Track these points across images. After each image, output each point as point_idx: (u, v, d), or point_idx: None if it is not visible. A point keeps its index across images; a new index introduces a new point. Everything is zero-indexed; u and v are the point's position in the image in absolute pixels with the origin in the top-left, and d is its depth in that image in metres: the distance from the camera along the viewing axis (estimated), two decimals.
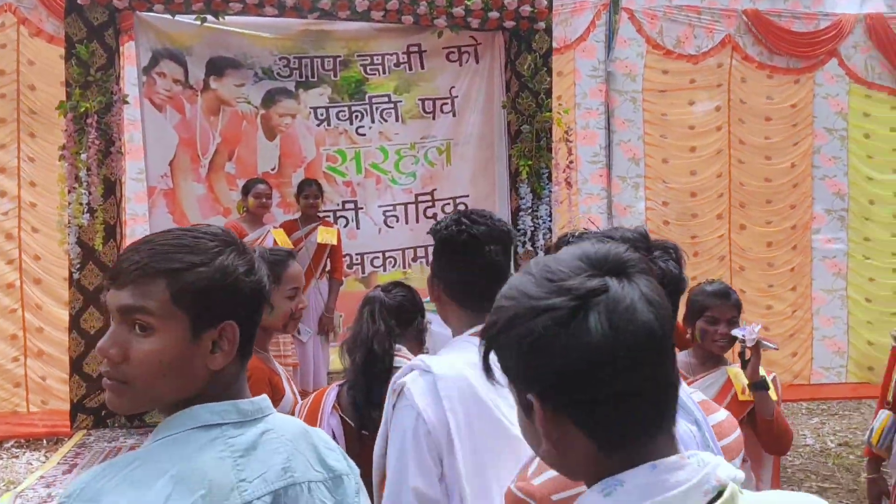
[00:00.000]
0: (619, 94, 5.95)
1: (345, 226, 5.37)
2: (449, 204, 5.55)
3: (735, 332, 2.61)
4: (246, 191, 4.72)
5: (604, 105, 5.95)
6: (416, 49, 5.43)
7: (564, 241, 3.08)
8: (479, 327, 1.52)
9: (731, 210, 6.02)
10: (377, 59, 5.40)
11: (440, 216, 5.50)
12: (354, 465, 1.18)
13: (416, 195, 5.52)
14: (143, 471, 0.98)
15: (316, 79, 5.37)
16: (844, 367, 6.16)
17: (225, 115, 5.19)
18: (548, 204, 5.48)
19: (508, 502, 1.25)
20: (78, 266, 4.73)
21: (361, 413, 1.99)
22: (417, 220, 5.50)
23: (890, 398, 2.91)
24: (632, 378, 0.80)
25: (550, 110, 5.46)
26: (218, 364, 1.04)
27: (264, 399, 1.11)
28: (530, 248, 5.50)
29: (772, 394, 2.58)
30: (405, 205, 5.50)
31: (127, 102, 4.94)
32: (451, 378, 1.44)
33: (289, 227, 4.82)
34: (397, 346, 2.00)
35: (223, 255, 1.06)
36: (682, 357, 2.77)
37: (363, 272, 5.48)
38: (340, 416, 2.04)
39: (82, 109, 4.63)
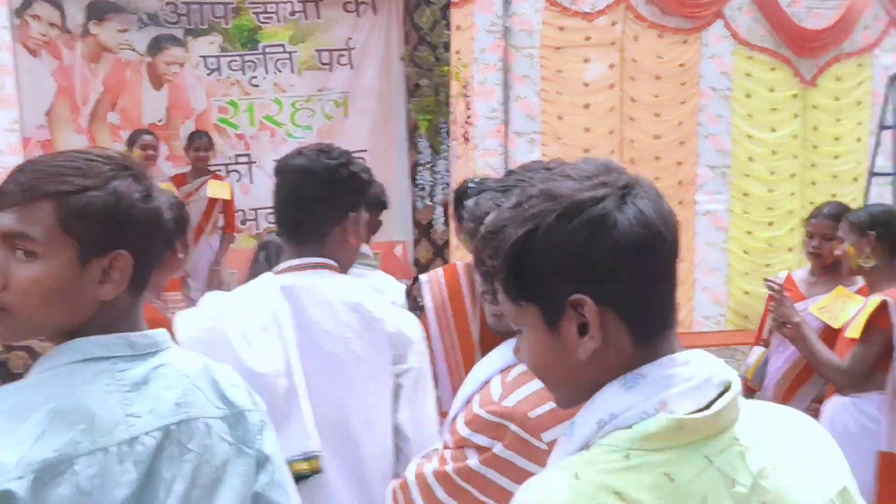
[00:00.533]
0: (517, 50, 5.98)
1: (237, 180, 5.20)
2: None
3: None
4: (131, 142, 4.50)
5: (501, 61, 5.97)
6: None
7: (464, 188, 3.13)
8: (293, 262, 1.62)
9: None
10: (271, 7, 5.20)
11: None
12: (261, 402, 1.15)
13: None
14: (17, 403, 0.93)
15: (206, 26, 5.12)
16: (724, 316, 6.53)
17: (107, 62, 4.89)
18: (446, 159, 5.47)
19: (475, 429, 1.24)
20: None
21: None
22: None
23: (765, 335, 3.11)
24: (669, 264, 0.84)
25: (449, 65, 5.43)
26: (107, 294, 0.99)
27: (161, 333, 1.06)
28: (429, 204, 5.50)
29: None
30: None
31: None
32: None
33: (178, 181, 4.63)
34: None
35: (118, 180, 1.00)
36: None
37: (257, 228, 5.34)
38: None
39: None
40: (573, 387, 0.86)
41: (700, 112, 6.31)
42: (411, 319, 1.66)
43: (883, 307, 2.59)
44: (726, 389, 0.82)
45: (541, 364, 0.87)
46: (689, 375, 0.81)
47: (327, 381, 1.54)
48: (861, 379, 2.65)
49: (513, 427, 1.20)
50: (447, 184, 5.54)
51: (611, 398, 0.81)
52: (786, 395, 3.06)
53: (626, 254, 0.81)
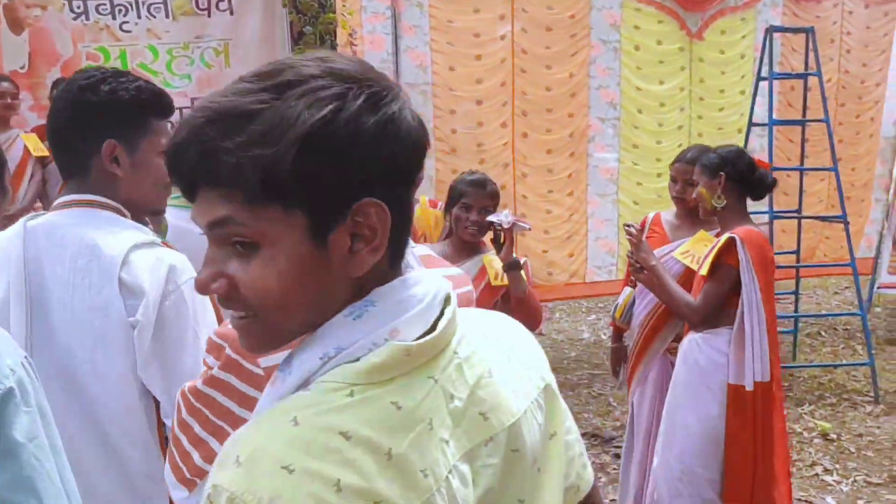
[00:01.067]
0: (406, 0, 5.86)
1: None
2: None
3: (490, 217, 2.71)
4: None
5: (390, 9, 5.84)
6: None
7: None
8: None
9: (514, 118, 6.20)
10: None
11: None
12: (15, 369, 1.06)
13: (192, 99, 5.17)
14: None
15: None
16: (615, 266, 6.66)
17: None
18: None
19: (206, 349, 1.24)
20: None
21: None
22: None
23: (633, 277, 3.18)
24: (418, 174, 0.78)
25: (334, 12, 5.28)
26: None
27: None
28: None
29: (522, 274, 2.72)
30: (180, 109, 5.12)
31: None
32: None
33: (41, 132, 4.36)
34: None
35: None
36: (439, 247, 2.84)
37: None
38: None
39: None
40: (315, 315, 0.75)
41: (591, 64, 6.34)
42: (158, 268, 1.46)
43: (730, 244, 2.66)
44: (447, 304, 0.80)
45: (284, 290, 0.72)
46: (421, 297, 0.77)
47: (53, 328, 1.44)
48: (712, 316, 2.73)
49: (228, 349, 1.18)
50: None
51: (338, 331, 0.74)
52: (648, 334, 3.14)
53: (413, 154, 0.76)
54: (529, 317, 2.80)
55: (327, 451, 0.66)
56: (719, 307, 2.71)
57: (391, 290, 0.76)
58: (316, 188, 0.71)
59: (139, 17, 4.99)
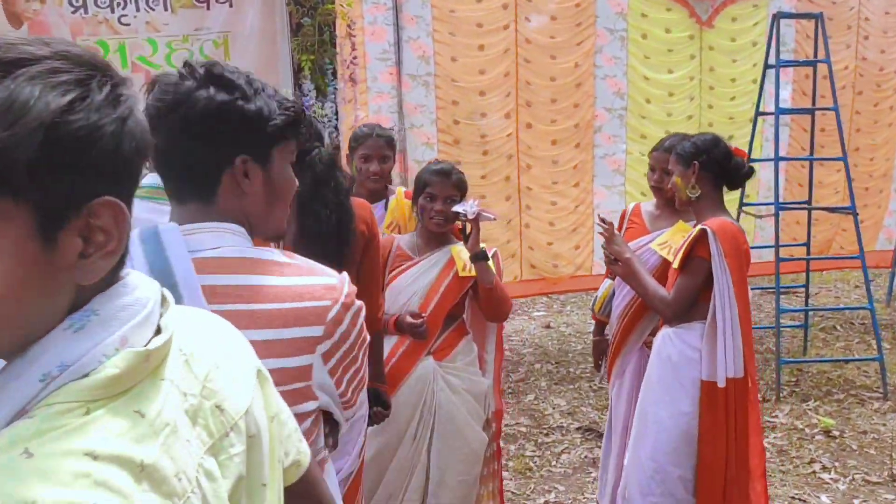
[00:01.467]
0: None
1: None
2: None
3: (455, 207, 2.67)
4: None
5: (392, 0, 5.80)
6: None
7: (358, 132, 3.11)
8: None
9: (518, 109, 6.13)
10: None
11: None
12: None
13: None
14: None
15: None
16: None
17: None
18: (333, 101, 5.33)
19: None
20: None
21: None
22: None
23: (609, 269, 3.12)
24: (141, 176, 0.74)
25: (333, 2, 5.25)
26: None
27: None
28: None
29: (491, 265, 2.68)
30: None
31: None
32: None
33: None
34: None
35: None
36: (407, 238, 2.82)
37: None
38: None
39: None
40: (28, 329, 0.66)
41: (597, 53, 6.24)
42: None
43: (702, 236, 2.59)
44: (164, 303, 0.78)
45: (2, 295, 0.64)
46: (145, 301, 0.73)
47: None
48: (685, 310, 2.66)
49: None
50: (336, 127, 5.41)
51: (59, 346, 0.66)
52: (626, 326, 3.09)
53: (144, 154, 0.72)
54: (497, 307, 2.76)
55: (76, 476, 0.59)
56: (692, 301, 2.64)
57: (113, 295, 0.71)
58: (51, 181, 0.64)
59: (138, 9, 5.01)
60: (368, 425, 2.51)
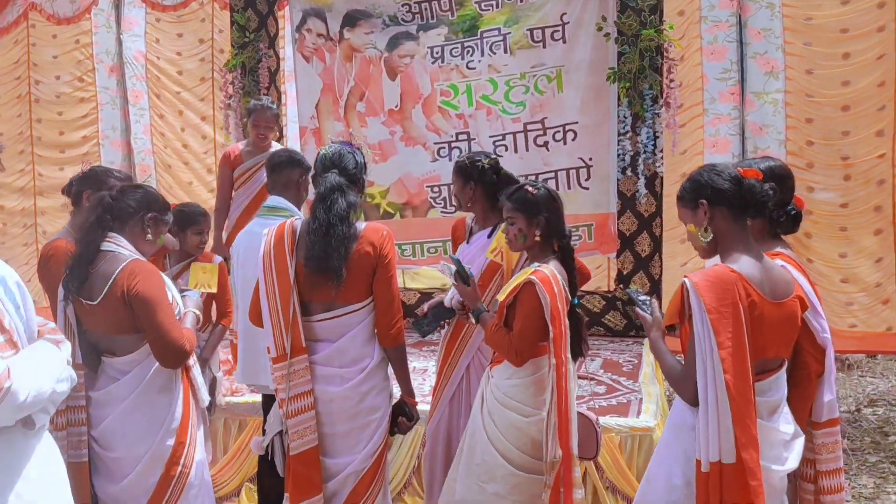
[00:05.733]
0: (753, 2, 5.38)
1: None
2: (559, 131, 5.68)
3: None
4: (249, 113, 5.05)
5: (735, 16, 5.43)
6: None
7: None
8: None
9: (895, 125, 5.09)
10: None
11: (551, 144, 5.64)
12: None
13: (525, 124, 5.73)
14: None
15: (435, 20, 5.86)
16: None
17: (357, 60, 5.99)
18: (650, 127, 5.28)
19: None
20: None
21: None
22: (527, 149, 5.73)
23: None
24: None
25: (656, 28, 5.21)
26: None
27: None
28: (630, 175, 5.39)
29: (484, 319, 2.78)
30: (514, 133, 5.76)
31: (271, 57, 6.03)
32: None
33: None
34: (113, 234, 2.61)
35: None
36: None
37: None
38: None
39: (236, 64, 5.86)
40: None
41: None
42: None
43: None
44: None
45: None
46: None
47: None
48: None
49: None
50: (652, 153, 5.30)
51: None
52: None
53: None
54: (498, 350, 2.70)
55: None
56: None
57: None
58: None
59: (482, 55, 5.75)
60: (391, 434, 2.71)
